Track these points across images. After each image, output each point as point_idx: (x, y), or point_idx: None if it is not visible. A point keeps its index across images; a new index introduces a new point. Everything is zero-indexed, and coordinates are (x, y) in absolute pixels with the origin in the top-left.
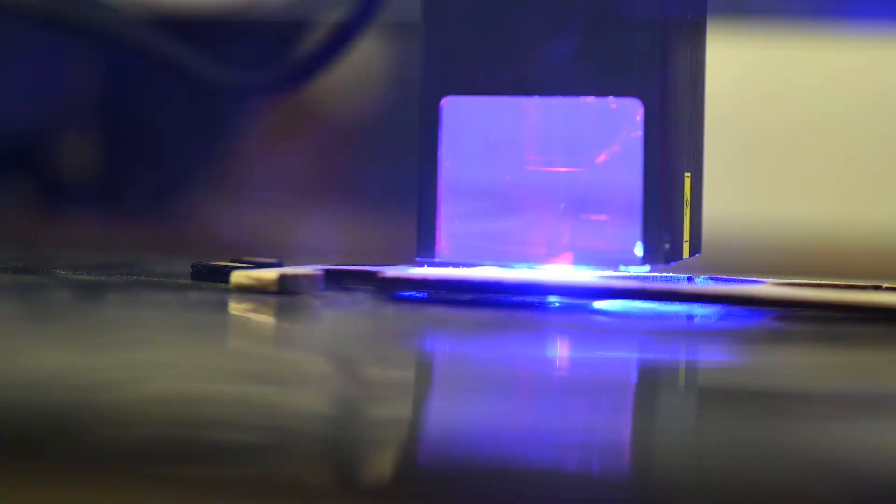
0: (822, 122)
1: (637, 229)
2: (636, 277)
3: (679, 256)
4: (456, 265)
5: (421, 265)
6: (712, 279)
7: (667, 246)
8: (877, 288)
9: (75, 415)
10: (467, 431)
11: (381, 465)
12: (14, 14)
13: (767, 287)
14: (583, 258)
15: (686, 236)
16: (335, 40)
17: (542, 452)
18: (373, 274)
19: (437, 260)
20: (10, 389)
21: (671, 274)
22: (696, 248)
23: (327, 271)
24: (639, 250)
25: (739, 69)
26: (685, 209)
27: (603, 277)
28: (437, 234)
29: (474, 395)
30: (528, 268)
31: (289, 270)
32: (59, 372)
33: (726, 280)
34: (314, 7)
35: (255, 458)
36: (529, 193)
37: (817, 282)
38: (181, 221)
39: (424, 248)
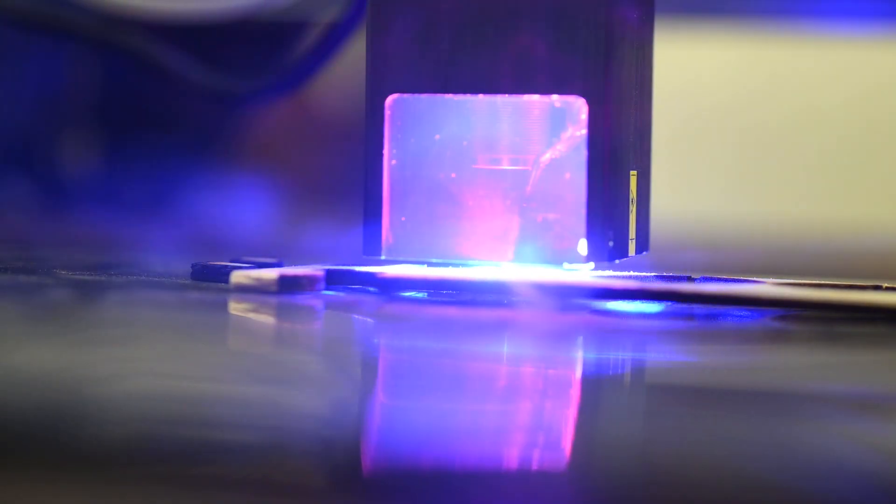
0: (822, 122)
1: (582, 227)
2: (636, 277)
3: (624, 254)
4: (401, 262)
5: (367, 263)
6: (712, 279)
7: (611, 243)
8: (877, 288)
9: (72, 413)
10: (466, 432)
11: (380, 465)
12: (16, 17)
13: (767, 287)
14: (528, 255)
15: (632, 234)
16: (329, 42)
17: (540, 451)
18: (373, 274)
19: (382, 258)
20: (10, 389)
21: (670, 274)
22: (643, 246)
23: (327, 271)
24: (583, 248)
25: (731, 68)
26: (631, 207)
27: (602, 277)
28: (384, 231)
29: (473, 396)
30: (475, 265)
31: (289, 270)
32: (56, 371)
33: (726, 280)
34: (309, 10)
35: (254, 458)
36: (475, 191)
37: (817, 282)
38: (181, 221)
39: (370, 246)
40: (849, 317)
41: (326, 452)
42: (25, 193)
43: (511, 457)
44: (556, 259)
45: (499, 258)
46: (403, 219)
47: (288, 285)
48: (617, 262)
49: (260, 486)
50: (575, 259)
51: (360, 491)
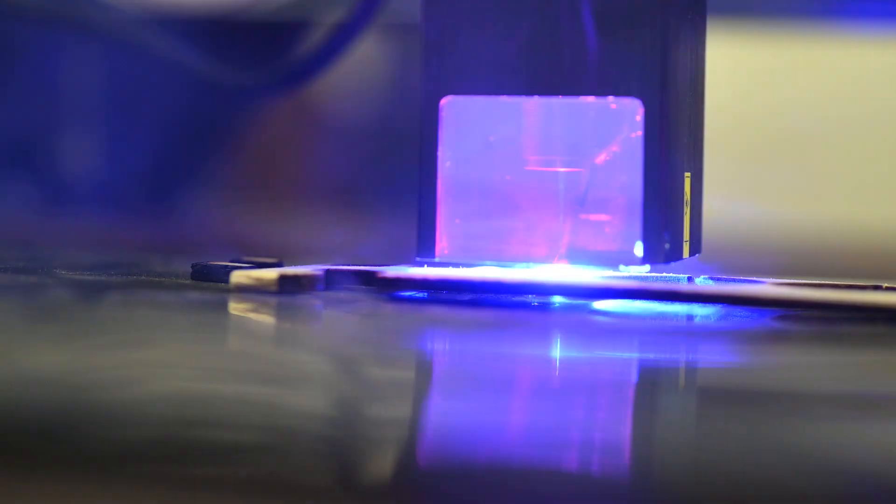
0: (823, 122)
1: (637, 229)
2: (636, 277)
3: (679, 256)
4: (456, 265)
5: (421, 265)
6: (712, 279)
7: (667, 246)
8: (877, 288)
9: (74, 414)
10: (466, 431)
11: (381, 465)
12: (17, 13)
13: (767, 287)
14: (583, 258)
15: (686, 236)
16: (336, 41)
17: (541, 452)
18: (373, 274)
19: (436, 260)
20: (10, 389)
21: (671, 274)
22: (695, 248)
23: (327, 271)
24: (639, 250)
25: (745, 70)
26: (685, 209)
27: (603, 277)
28: (437, 233)
29: (473, 395)
30: (528, 267)
31: (289, 270)
32: (58, 371)
33: (726, 280)
34: (315, 7)
35: (254, 458)
36: (529, 193)
37: (817, 282)
38: (181, 221)
39: (424, 248)
40: (849, 317)
41: (327, 452)
42: (26, 193)
43: (511, 458)
44: (611, 261)
45: (552, 261)
46: (458, 221)
47: (288, 285)
48: (672, 264)
49: (260, 486)
50: (631, 261)
51: (361, 491)
